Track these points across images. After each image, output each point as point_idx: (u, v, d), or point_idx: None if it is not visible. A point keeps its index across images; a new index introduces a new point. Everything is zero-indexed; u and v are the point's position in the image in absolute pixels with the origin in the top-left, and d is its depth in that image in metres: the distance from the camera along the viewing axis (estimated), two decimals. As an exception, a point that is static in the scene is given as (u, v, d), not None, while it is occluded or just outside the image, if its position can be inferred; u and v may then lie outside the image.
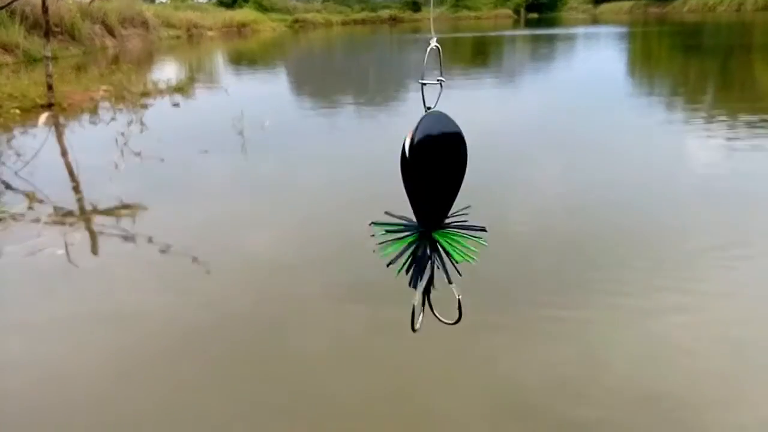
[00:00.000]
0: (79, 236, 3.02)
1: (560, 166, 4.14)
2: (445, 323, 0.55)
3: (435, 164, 0.49)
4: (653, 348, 1.89)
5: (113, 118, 6.26)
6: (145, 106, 6.87)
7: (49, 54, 6.77)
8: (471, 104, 7.02)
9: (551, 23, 33.26)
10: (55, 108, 6.85)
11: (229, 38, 26.93)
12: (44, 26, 6.91)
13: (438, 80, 0.50)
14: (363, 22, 46.75)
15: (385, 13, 49.01)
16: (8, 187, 3.93)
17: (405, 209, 0.54)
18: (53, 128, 5.91)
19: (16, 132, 5.76)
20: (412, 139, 0.48)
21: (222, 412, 1.68)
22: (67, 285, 2.53)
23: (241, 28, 32.24)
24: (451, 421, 1.61)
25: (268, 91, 9.19)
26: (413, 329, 0.53)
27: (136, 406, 1.71)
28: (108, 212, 3.41)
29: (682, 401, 1.65)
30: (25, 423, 1.68)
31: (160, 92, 8.18)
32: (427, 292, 0.54)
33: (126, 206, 3.50)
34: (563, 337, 1.98)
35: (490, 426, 1.60)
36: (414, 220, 0.53)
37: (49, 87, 6.91)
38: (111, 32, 18.17)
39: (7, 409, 1.74)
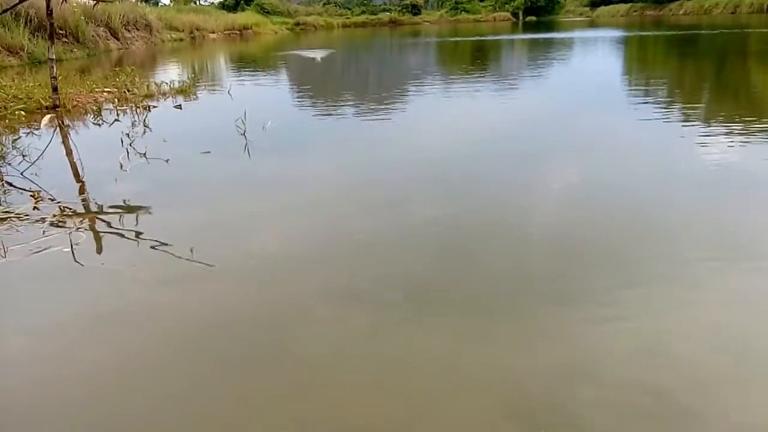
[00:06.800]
0: (84, 236, 3.06)
1: (561, 168, 4.18)
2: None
3: None
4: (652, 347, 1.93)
5: (117, 120, 6.32)
6: (148, 108, 6.92)
7: (53, 56, 6.82)
8: (479, 109, 7.06)
9: (549, 26, 33.34)
10: (60, 109, 6.91)
11: (232, 41, 27.01)
12: (49, 29, 6.96)
13: None
14: (363, 24, 46.85)
15: (385, 16, 49.13)
16: (14, 187, 3.98)
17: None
18: (58, 129, 5.96)
19: (22, 133, 5.81)
20: None
21: (223, 412, 1.72)
22: (71, 284, 2.57)
23: (243, 30, 32.36)
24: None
25: (269, 93, 9.25)
26: None
27: (137, 406, 1.74)
28: (113, 212, 3.46)
29: (683, 401, 1.69)
30: (26, 421, 1.71)
31: (164, 94, 8.24)
32: None
33: (131, 206, 3.54)
34: (561, 339, 2.02)
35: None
36: None
37: (54, 89, 6.97)
38: (115, 35, 18.28)
39: (8, 408, 1.77)
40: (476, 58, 14.88)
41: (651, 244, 2.70)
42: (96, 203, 3.66)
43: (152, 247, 2.90)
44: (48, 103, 6.99)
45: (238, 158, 4.71)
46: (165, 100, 7.90)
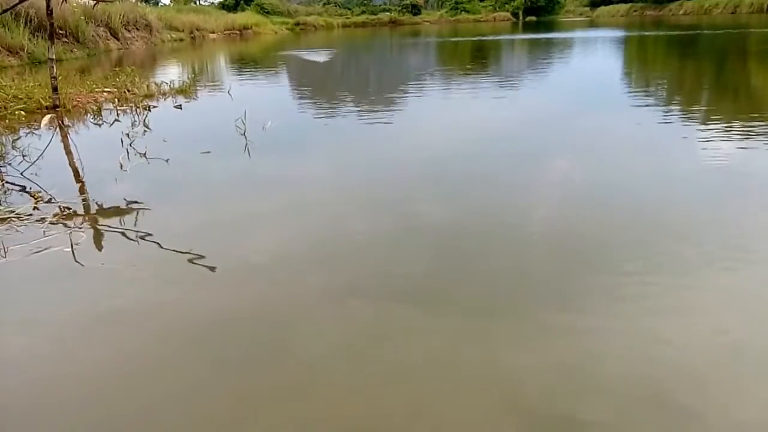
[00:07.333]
0: (84, 236, 3.06)
1: (563, 168, 4.18)
2: None
3: None
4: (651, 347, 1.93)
5: (117, 120, 6.31)
6: (148, 108, 6.92)
7: (53, 56, 6.82)
8: (484, 110, 7.06)
9: (549, 26, 33.36)
10: (60, 109, 6.91)
11: (231, 41, 27.01)
12: (49, 29, 6.96)
13: None
14: (363, 24, 46.88)
15: (385, 16, 49.16)
16: (14, 187, 3.97)
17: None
18: (58, 129, 5.96)
19: (22, 133, 5.81)
20: None
21: (223, 412, 1.72)
22: (71, 284, 2.57)
23: (243, 30, 32.38)
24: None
25: (269, 93, 9.25)
26: None
27: (137, 406, 1.74)
28: (113, 212, 3.46)
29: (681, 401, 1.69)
30: (26, 421, 1.71)
31: (164, 94, 8.24)
32: None
33: (131, 206, 3.54)
34: (561, 338, 2.02)
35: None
36: None
37: (54, 89, 6.97)
38: (115, 35, 18.29)
39: (8, 408, 1.77)
40: (476, 58, 14.88)
41: (651, 244, 2.70)
42: (96, 203, 3.66)
43: (152, 247, 2.90)
44: (48, 103, 6.99)
45: (238, 158, 4.71)
46: (165, 100, 7.90)
